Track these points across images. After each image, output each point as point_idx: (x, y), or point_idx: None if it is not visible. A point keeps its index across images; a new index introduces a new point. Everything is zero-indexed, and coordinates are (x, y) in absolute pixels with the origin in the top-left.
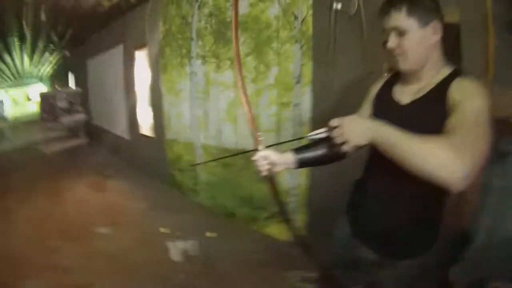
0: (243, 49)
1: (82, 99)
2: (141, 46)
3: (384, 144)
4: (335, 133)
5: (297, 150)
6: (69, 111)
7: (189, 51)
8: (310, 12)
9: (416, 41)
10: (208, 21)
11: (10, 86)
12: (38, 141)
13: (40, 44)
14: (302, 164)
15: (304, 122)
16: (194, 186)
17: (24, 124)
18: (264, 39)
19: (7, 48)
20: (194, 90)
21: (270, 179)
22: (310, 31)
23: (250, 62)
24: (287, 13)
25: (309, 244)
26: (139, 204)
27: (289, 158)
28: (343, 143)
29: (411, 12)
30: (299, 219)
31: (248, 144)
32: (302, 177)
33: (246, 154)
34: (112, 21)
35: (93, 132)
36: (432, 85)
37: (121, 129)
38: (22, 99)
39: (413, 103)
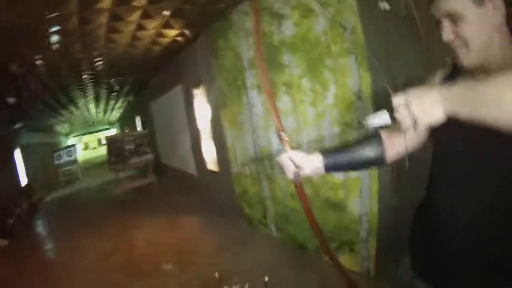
0: (296, 72)
1: (149, 139)
2: (198, 84)
3: (465, 107)
4: (400, 114)
5: (327, 153)
6: (137, 152)
7: (244, 82)
8: (358, 19)
9: (475, 25)
10: (255, 49)
11: (84, 134)
12: (108, 182)
13: (103, 93)
14: (331, 168)
15: None
16: (263, 218)
17: (95, 166)
18: (316, 57)
19: (73, 100)
20: (255, 121)
21: (298, 184)
22: (362, 39)
23: (305, 84)
24: (334, 26)
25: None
26: (208, 240)
27: (317, 161)
28: (413, 125)
29: None
30: (371, 246)
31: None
32: (373, 201)
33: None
34: (167, 63)
35: (162, 171)
36: None
37: (188, 166)
38: (95, 144)
39: None
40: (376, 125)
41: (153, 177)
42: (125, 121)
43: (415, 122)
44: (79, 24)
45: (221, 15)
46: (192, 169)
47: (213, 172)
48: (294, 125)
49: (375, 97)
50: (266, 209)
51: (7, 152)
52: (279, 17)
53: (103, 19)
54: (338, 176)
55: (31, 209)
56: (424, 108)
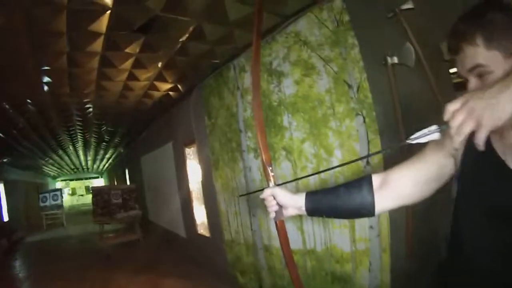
0: (297, 136)
1: (137, 195)
2: (190, 142)
3: None
4: (456, 120)
5: (312, 194)
6: (124, 207)
7: (239, 145)
8: (364, 75)
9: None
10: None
11: (71, 179)
12: (93, 232)
13: (93, 142)
14: (314, 211)
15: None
16: None
17: (81, 213)
18: (319, 119)
19: (61, 144)
20: (251, 187)
21: (279, 225)
22: (370, 98)
23: (307, 149)
24: (338, 83)
25: None
26: None
27: (300, 201)
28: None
29: (489, 41)
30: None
31: (318, 244)
32: (384, 273)
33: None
34: (159, 117)
35: (149, 229)
36: None
37: (177, 227)
38: (83, 191)
39: None
40: (422, 141)
41: (139, 234)
42: (115, 172)
43: (477, 128)
44: (68, 66)
45: (215, 70)
46: (181, 230)
47: (203, 236)
48: None
49: (387, 162)
50: (262, 280)
51: None
52: (279, 75)
53: (94, 63)
54: (345, 248)
55: (10, 248)
56: (491, 109)
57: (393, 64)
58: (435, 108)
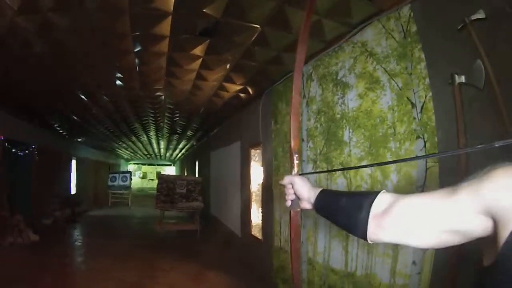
0: (356, 153)
1: (202, 188)
2: (256, 144)
3: None
4: None
5: (324, 193)
6: (187, 197)
7: (300, 153)
8: (429, 94)
9: None
10: (318, 119)
11: (144, 163)
12: (154, 217)
13: (165, 132)
14: (319, 210)
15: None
16: None
17: (148, 197)
18: (378, 138)
19: (134, 131)
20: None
21: (293, 215)
22: (433, 120)
23: (364, 168)
24: (402, 101)
25: None
26: None
27: (313, 196)
28: None
29: None
30: None
31: (359, 269)
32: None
33: None
34: (229, 116)
35: (209, 222)
36: None
37: (234, 225)
38: (153, 176)
39: None
40: None
41: (198, 225)
42: (186, 162)
43: None
44: (137, 64)
45: (283, 76)
46: (237, 229)
47: (256, 238)
48: None
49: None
50: None
51: (65, 160)
52: (344, 86)
53: (162, 62)
54: (384, 279)
55: (72, 217)
56: None
57: (460, 84)
58: (503, 139)
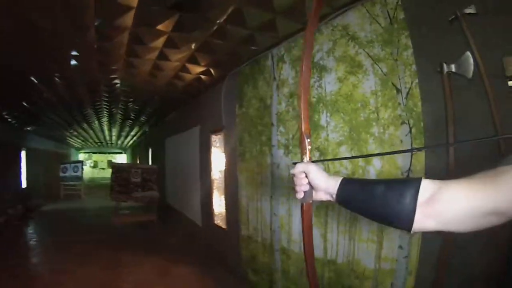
0: (334, 138)
1: (157, 176)
2: (217, 129)
3: None
4: None
5: (348, 182)
6: (142, 187)
7: (269, 139)
8: (416, 81)
9: None
10: (290, 103)
11: (94, 152)
12: (109, 208)
13: (118, 118)
14: (345, 202)
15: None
16: None
17: (100, 187)
18: (360, 122)
19: (87, 117)
20: (277, 185)
21: (306, 208)
22: (419, 106)
23: (344, 153)
24: (386, 86)
25: None
26: None
27: (333, 186)
28: None
29: None
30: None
31: (340, 256)
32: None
33: None
34: (188, 101)
35: (166, 212)
36: None
37: (193, 215)
38: (104, 165)
39: None
40: None
41: (155, 216)
42: (138, 150)
43: None
44: (97, 40)
45: (252, 58)
46: (197, 218)
47: (220, 227)
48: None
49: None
50: (274, 282)
51: (13, 152)
52: (321, 69)
53: (123, 38)
54: (369, 265)
55: (24, 214)
56: None
57: (450, 73)
58: (491, 127)
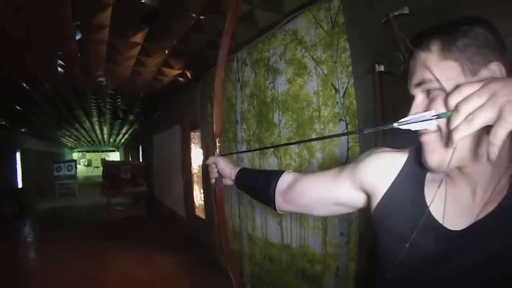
0: (285, 133)
1: (146, 172)
2: (195, 127)
3: None
4: (470, 105)
5: (242, 171)
6: (132, 182)
7: (235, 135)
8: (352, 81)
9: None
10: (250, 103)
11: (88, 151)
12: (102, 204)
13: (108, 118)
14: (239, 186)
15: (352, 220)
16: (239, 276)
17: (94, 185)
18: (305, 120)
19: (77, 118)
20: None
21: (217, 190)
22: (354, 104)
23: (292, 148)
24: (326, 86)
25: None
26: (180, 282)
27: (233, 173)
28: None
29: (447, 46)
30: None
31: (294, 241)
32: (349, 282)
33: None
34: (168, 100)
35: (154, 206)
36: (503, 193)
37: (178, 207)
38: (98, 163)
39: (474, 228)
40: (413, 128)
41: (143, 210)
42: (130, 147)
43: (501, 119)
44: (79, 50)
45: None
46: (181, 210)
47: (199, 218)
48: None
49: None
50: (243, 267)
51: (9, 153)
52: (274, 72)
53: (102, 50)
54: (317, 250)
55: (20, 212)
56: None
57: (380, 72)
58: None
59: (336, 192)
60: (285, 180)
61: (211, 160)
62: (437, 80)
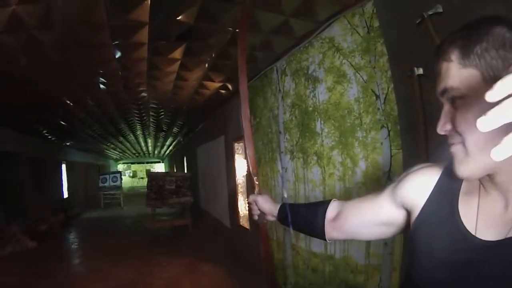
0: (327, 143)
1: (190, 183)
2: (238, 138)
3: None
4: None
5: (284, 207)
6: (177, 193)
7: (278, 146)
8: (391, 86)
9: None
10: (292, 112)
11: (133, 162)
12: (147, 214)
13: (152, 131)
14: (282, 222)
15: None
16: (283, 285)
17: (139, 195)
18: (347, 128)
19: (122, 131)
20: (285, 187)
21: (261, 226)
22: (395, 110)
23: (336, 157)
24: (366, 93)
25: None
26: None
27: (275, 211)
28: None
29: (465, 54)
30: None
31: (337, 252)
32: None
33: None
34: (212, 112)
35: (199, 216)
36: None
37: (223, 217)
38: (143, 174)
39: (508, 239)
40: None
41: (189, 220)
42: (175, 158)
43: None
44: (120, 68)
45: (258, 73)
46: (226, 220)
47: (244, 228)
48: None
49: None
50: (287, 278)
51: (55, 165)
52: (314, 81)
53: (142, 67)
54: (360, 261)
55: (66, 222)
56: None
57: (419, 76)
58: None
59: (379, 212)
60: (333, 208)
61: (251, 198)
62: (458, 89)
